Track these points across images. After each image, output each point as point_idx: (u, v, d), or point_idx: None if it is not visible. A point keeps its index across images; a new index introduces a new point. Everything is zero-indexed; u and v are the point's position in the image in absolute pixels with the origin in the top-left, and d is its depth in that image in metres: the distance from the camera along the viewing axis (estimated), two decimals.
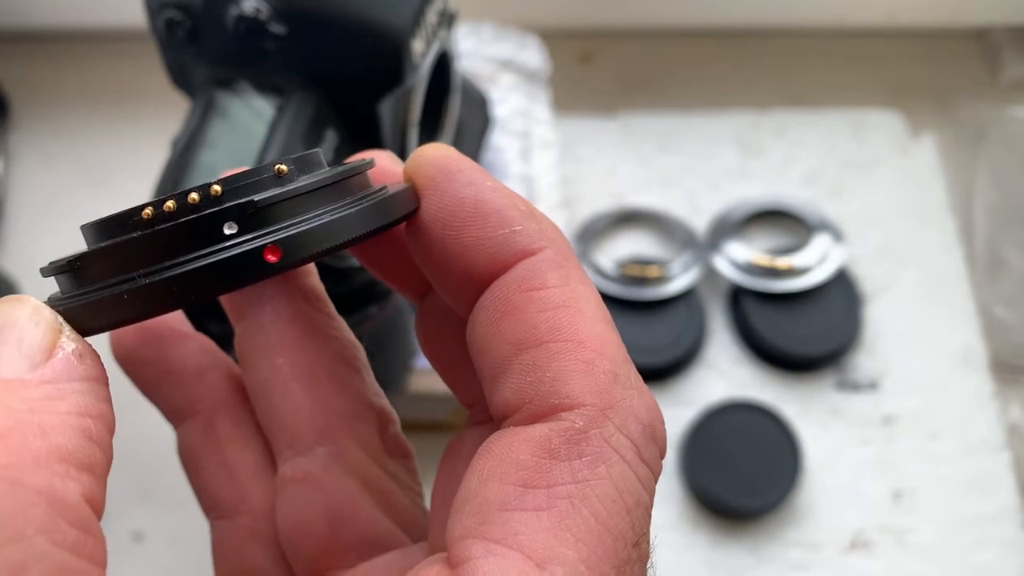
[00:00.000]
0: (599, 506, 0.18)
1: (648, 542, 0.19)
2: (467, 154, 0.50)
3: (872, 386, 0.59)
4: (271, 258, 0.18)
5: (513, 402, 0.20)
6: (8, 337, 0.18)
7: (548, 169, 0.57)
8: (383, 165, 0.23)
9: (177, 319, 0.25)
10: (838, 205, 0.64)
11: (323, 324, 0.25)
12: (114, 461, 0.18)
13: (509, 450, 0.19)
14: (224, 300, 0.25)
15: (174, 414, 0.25)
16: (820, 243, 0.61)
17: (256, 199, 0.18)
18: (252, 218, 0.18)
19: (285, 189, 0.19)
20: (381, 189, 0.21)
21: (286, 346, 0.24)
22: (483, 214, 0.20)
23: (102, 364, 0.19)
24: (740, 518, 0.54)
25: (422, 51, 0.39)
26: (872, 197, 0.65)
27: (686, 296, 0.60)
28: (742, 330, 0.60)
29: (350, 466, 0.24)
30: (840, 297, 0.60)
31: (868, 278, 0.62)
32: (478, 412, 0.24)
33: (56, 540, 0.15)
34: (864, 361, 0.59)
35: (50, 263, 0.19)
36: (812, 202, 0.64)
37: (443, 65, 0.44)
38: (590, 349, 0.19)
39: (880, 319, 0.60)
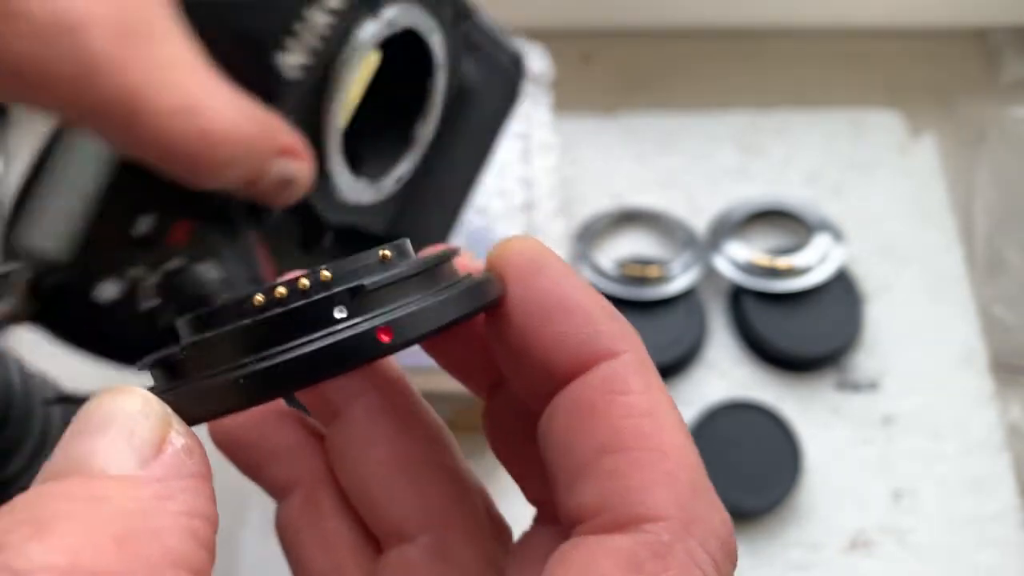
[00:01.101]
0: None
1: None
2: (488, 126, 0.43)
3: (872, 386, 0.59)
4: (384, 338, 0.18)
5: (591, 507, 0.19)
6: (117, 430, 0.17)
7: (547, 172, 0.57)
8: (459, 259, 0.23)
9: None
10: (838, 205, 0.64)
11: (412, 408, 0.25)
12: None
13: (591, 561, 0.18)
14: (313, 399, 0.25)
15: (275, 490, 0.25)
16: (820, 243, 0.61)
17: (365, 283, 0.19)
18: (362, 302, 0.19)
19: (389, 274, 0.19)
20: (467, 276, 0.21)
21: (381, 438, 0.24)
22: (568, 310, 0.20)
23: (207, 460, 0.18)
24: (740, 518, 0.54)
25: (302, 63, 0.33)
26: (872, 197, 0.65)
27: (686, 296, 0.60)
28: (742, 330, 0.60)
29: (454, 555, 0.24)
30: (840, 297, 0.60)
31: (868, 278, 0.62)
32: (546, 511, 0.24)
33: None
34: (864, 361, 0.59)
35: (151, 356, 0.19)
36: (812, 202, 0.64)
37: (413, 43, 0.38)
38: (673, 461, 0.19)
39: (880, 319, 0.60)
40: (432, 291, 0.20)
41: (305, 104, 0.34)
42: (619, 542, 0.18)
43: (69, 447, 0.17)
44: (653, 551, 0.18)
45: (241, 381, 0.18)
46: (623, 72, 0.70)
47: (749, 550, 0.54)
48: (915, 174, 0.66)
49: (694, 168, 0.66)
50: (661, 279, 0.60)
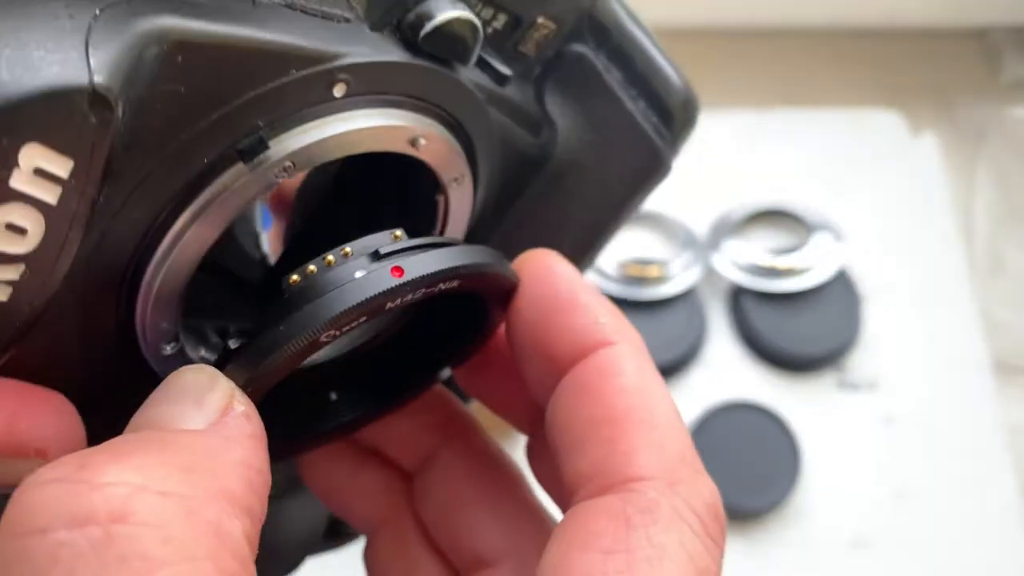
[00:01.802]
0: (674, 567, 0.20)
1: None
2: (596, 212, 0.28)
3: (872, 386, 0.59)
4: (396, 275, 0.20)
5: (586, 472, 0.21)
6: (189, 397, 0.20)
7: None
8: None
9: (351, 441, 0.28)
10: (838, 205, 0.64)
11: (489, 450, 0.28)
12: None
13: (586, 522, 0.20)
14: (403, 449, 0.28)
15: (365, 527, 0.28)
16: (820, 243, 0.61)
17: (381, 249, 0.21)
18: (377, 259, 0.21)
19: (401, 244, 0.21)
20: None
21: (465, 479, 0.27)
22: (573, 304, 0.23)
23: (263, 428, 0.20)
24: (740, 518, 0.54)
25: None
26: (872, 197, 0.65)
27: (686, 296, 0.60)
28: (742, 330, 0.60)
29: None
30: (840, 297, 0.60)
31: (868, 278, 0.62)
32: None
33: (220, 567, 0.17)
34: (864, 361, 0.59)
35: (216, 357, 0.22)
36: (812, 202, 0.64)
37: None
38: (661, 431, 0.22)
39: (880, 319, 0.60)
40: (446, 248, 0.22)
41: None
42: (610, 501, 0.21)
43: (147, 411, 0.19)
44: (641, 507, 0.20)
45: (281, 328, 0.20)
46: None
47: (749, 550, 0.54)
48: (915, 174, 0.66)
49: (694, 168, 0.66)
50: (661, 279, 0.60)
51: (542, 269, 0.24)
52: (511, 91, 0.24)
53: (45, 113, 0.15)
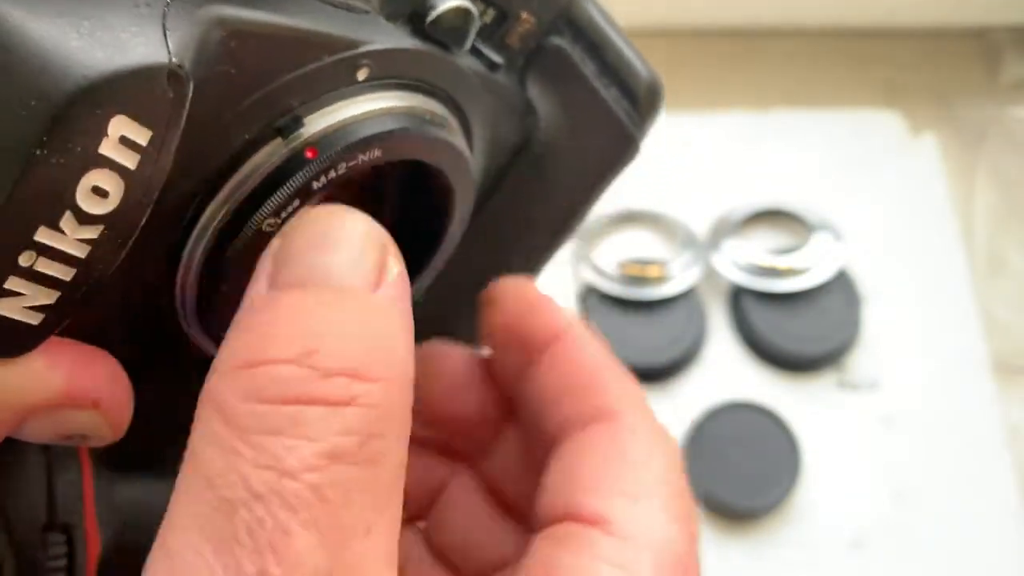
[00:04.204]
0: (660, 461, 0.26)
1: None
2: (569, 190, 0.31)
3: (872, 386, 0.59)
4: (310, 155, 0.21)
5: (571, 416, 0.27)
6: (348, 250, 0.20)
7: None
8: None
9: None
10: (838, 205, 0.64)
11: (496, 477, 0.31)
12: None
13: (580, 448, 0.26)
14: (418, 488, 0.30)
15: None
16: (820, 243, 0.61)
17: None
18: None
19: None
20: None
21: (476, 506, 0.30)
22: (542, 308, 0.29)
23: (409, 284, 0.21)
24: (740, 518, 0.54)
25: None
26: (872, 197, 0.65)
27: (686, 296, 0.60)
28: (742, 330, 0.60)
29: None
30: (840, 297, 0.60)
31: (868, 278, 0.62)
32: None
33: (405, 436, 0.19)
34: (864, 361, 0.59)
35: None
36: (812, 202, 0.64)
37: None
38: (625, 380, 0.28)
39: (880, 319, 0.60)
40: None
41: None
42: (601, 429, 0.26)
43: (307, 257, 0.19)
44: (627, 427, 0.26)
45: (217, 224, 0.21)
46: None
47: (749, 550, 0.54)
48: (915, 174, 0.66)
49: (694, 168, 0.66)
50: (661, 279, 0.60)
51: (513, 286, 0.29)
52: (500, 78, 0.27)
53: (133, 88, 0.17)
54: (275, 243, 0.20)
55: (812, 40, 0.71)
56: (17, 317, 0.18)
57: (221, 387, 0.18)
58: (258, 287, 0.19)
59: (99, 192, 0.18)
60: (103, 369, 0.21)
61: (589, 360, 0.27)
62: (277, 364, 0.18)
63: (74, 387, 0.20)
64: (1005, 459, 0.56)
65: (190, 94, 0.18)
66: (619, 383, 0.27)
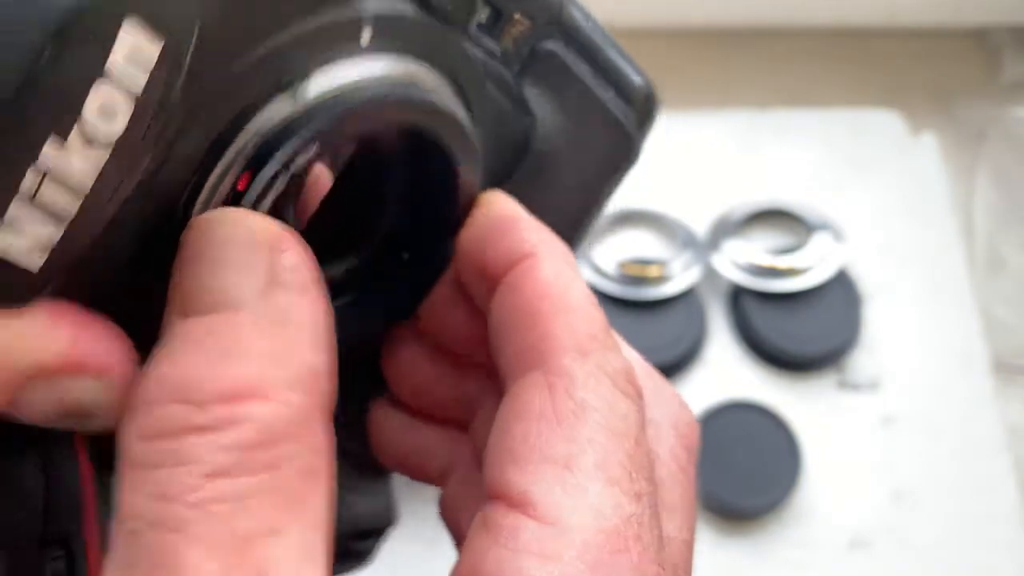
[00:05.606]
0: (597, 416, 0.22)
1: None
2: (572, 197, 0.32)
3: (872, 386, 0.59)
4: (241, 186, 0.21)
5: (512, 358, 0.24)
6: (232, 265, 0.20)
7: None
8: None
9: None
10: (838, 205, 0.64)
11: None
12: None
13: (517, 397, 0.23)
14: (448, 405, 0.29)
15: (435, 479, 0.29)
16: (820, 243, 0.61)
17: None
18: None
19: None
20: None
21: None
22: (505, 231, 0.26)
23: (315, 268, 0.21)
24: (740, 518, 0.54)
25: None
26: (872, 197, 0.65)
27: (686, 296, 0.60)
28: (742, 330, 0.60)
29: None
30: (840, 297, 0.60)
31: (868, 278, 0.62)
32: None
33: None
34: (864, 361, 0.59)
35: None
36: (812, 202, 0.64)
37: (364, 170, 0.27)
38: (572, 315, 0.24)
39: (880, 319, 0.60)
40: None
41: None
42: (533, 376, 0.23)
43: (193, 284, 0.20)
44: (559, 373, 0.23)
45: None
46: None
47: (749, 550, 0.54)
48: (915, 174, 0.66)
49: (694, 168, 0.66)
50: (661, 279, 0.60)
51: (485, 208, 0.27)
52: (501, 69, 0.27)
53: None
54: (174, 272, 0.20)
55: (812, 40, 0.71)
56: (17, 258, 0.18)
57: (126, 426, 0.19)
58: (167, 318, 0.20)
59: (106, 112, 0.17)
60: (107, 334, 0.20)
61: (540, 289, 0.24)
62: (161, 403, 0.18)
63: (78, 349, 0.19)
64: (1005, 459, 0.57)
65: (202, 17, 0.18)
66: (566, 317, 0.24)
